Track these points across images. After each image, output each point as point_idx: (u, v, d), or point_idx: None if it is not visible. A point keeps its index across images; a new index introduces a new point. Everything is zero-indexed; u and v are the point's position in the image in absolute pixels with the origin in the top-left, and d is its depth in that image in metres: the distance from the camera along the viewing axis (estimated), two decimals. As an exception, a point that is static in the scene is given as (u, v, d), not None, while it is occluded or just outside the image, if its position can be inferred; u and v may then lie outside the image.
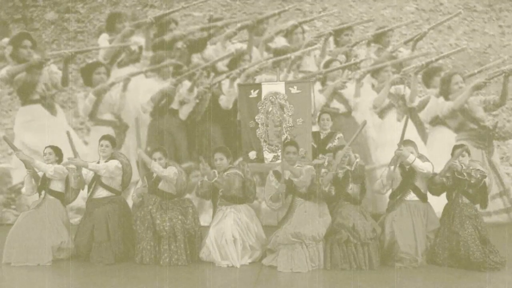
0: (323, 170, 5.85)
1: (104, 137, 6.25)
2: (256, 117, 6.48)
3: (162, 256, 5.77)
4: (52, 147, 6.23)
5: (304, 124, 6.44)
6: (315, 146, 6.52)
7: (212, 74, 8.20)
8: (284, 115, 6.43)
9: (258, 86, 6.55)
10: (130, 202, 6.40)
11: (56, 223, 6.03)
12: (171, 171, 5.96)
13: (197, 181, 6.17)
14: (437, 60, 8.11)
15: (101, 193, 6.17)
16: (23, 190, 6.21)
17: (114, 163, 6.07)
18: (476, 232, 5.54)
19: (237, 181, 5.88)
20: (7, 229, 6.24)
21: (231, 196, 5.92)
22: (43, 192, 6.12)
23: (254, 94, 6.52)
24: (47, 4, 8.51)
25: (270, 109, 6.46)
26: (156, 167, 5.87)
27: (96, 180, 6.15)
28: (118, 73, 8.33)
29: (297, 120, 6.44)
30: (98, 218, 5.99)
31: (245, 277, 5.41)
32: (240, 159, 6.42)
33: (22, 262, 5.79)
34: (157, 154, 6.01)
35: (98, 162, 6.13)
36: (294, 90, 6.47)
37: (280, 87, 6.49)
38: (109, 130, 8.16)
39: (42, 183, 6.12)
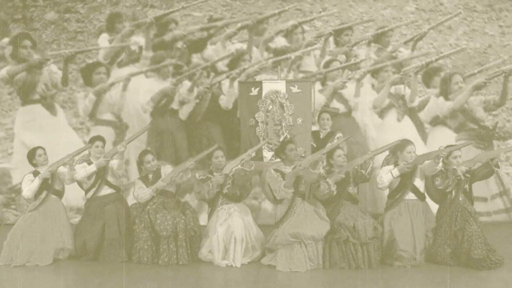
0: (321, 170, 5.86)
1: (98, 138, 6.25)
2: (256, 115, 6.49)
3: (161, 256, 5.77)
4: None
5: (304, 123, 6.46)
6: (315, 145, 6.53)
7: (212, 74, 8.18)
8: (284, 114, 6.44)
9: (259, 84, 6.55)
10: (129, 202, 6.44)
11: (59, 223, 6.03)
12: (168, 170, 6.05)
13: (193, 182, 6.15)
14: (437, 60, 8.10)
15: (106, 191, 6.18)
16: (27, 192, 6.01)
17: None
18: (480, 229, 5.55)
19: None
20: (7, 229, 6.24)
21: (233, 194, 5.96)
22: (44, 192, 6.08)
23: (254, 92, 6.52)
24: (47, 4, 8.50)
25: (270, 107, 6.46)
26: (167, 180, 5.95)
27: (101, 178, 6.15)
28: (118, 73, 8.30)
29: (297, 119, 6.44)
30: (110, 215, 6.00)
31: (244, 277, 5.42)
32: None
33: (22, 263, 5.79)
34: (149, 157, 6.06)
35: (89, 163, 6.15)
36: (295, 89, 6.48)
37: (281, 86, 6.50)
38: (109, 130, 8.17)
39: (44, 183, 6.07)
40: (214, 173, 5.93)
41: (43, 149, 6.19)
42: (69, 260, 6.01)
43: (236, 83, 7.73)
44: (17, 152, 8.33)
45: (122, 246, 5.98)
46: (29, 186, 6.00)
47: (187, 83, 8.16)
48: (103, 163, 6.06)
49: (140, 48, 8.37)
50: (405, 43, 8.28)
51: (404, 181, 5.79)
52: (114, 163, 6.15)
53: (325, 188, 5.69)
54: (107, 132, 8.01)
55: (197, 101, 8.18)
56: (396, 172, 5.75)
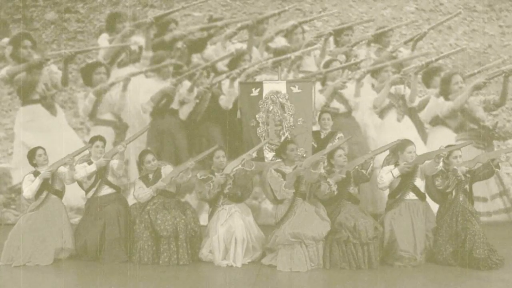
0: (322, 170, 5.86)
1: (98, 138, 6.24)
2: (257, 116, 6.49)
3: (161, 256, 5.77)
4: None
5: (305, 123, 6.46)
6: (315, 145, 6.53)
7: (212, 74, 8.19)
8: (285, 114, 6.44)
9: (260, 85, 6.56)
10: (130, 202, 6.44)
11: (59, 223, 6.02)
12: (169, 170, 6.04)
13: (194, 182, 6.16)
14: (437, 60, 8.11)
15: (106, 190, 6.18)
16: (27, 193, 6.00)
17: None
18: (481, 229, 5.56)
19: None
20: (7, 229, 6.24)
21: (234, 195, 5.96)
22: (44, 192, 6.07)
23: (255, 92, 6.53)
24: (47, 4, 8.49)
25: (271, 108, 6.46)
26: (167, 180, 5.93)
27: (102, 178, 6.14)
28: (118, 73, 8.31)
29: (298, 119, 6.45)
30: (110, 215, 6.00)
31: (244, 277, 5.42)
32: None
33: (23, 262, 5.78)
34: (150, 156, 6.06)
35: (90, 163, 6.14)
36: (295, 89, 6.48)
37: (281, 86, 6.51)
38: (109, 130, 8.17)
39: (45, 183, 6.06)
40: (215, 173, 5.93)
41: (43, 149, 6.18)
42: (70, 260, 6.00)
43: (236, 83, 7.73)
44: (17, 152, 8.33)
45: (122, 246, 5.99)
46: (29, 186, 5.99)
47: (187, 83, 8.16)
48: (103, 163, 6.06)
49: (140, 48, 8.37)
50: (405, 43, 8.29)
51: (405, 181, 5.79)
52: (114, 163, 6.15)
53: (326, 188, 5.69)
54: (107, 132, 8.01)
55: (197, 101, 8.18)
56: (396, 172, 5.76)
